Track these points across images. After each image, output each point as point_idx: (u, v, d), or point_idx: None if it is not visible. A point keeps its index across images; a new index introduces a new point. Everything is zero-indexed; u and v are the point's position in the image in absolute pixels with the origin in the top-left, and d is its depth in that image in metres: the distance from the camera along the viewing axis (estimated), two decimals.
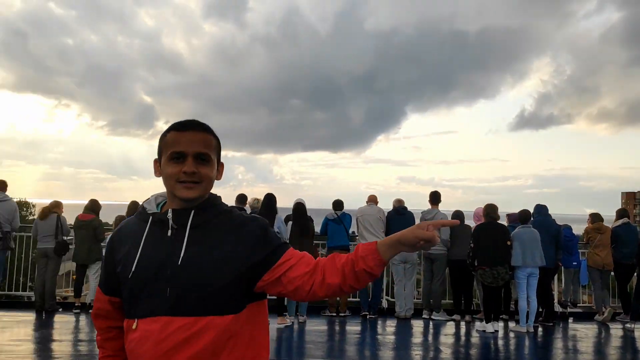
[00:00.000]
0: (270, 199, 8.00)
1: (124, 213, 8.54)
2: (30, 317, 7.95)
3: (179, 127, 1.69)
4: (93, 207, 8.72)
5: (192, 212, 1.67)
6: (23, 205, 29.59)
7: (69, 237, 8.68)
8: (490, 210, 8.00)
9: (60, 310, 8.31)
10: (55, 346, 6.50)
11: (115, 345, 1.84)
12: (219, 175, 1.76)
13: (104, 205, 9.16)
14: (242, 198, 8.56)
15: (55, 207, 8.57)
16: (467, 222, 8.81)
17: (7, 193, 8.36)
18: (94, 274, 8.46)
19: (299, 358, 6.39)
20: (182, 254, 1.62)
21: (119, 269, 1.71)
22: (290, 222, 8.21)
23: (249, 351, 1.67)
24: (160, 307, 1.60)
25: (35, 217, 8.78)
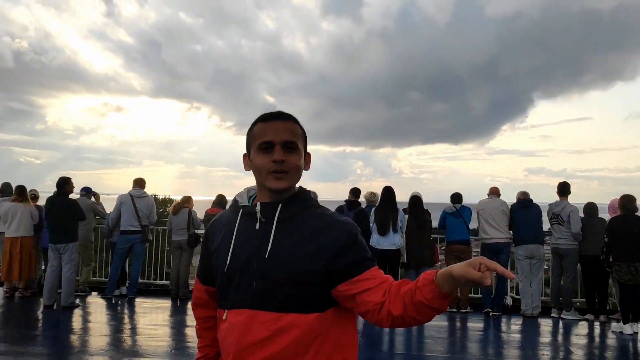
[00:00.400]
0: (389, 191, 7.94)
1: None
2: (167, 303, 8.62)
3: (265, 118, 1.69)
4: (220, 201, 9.23)
5: (280, 205, 1.65)
6: (167, 201, 31.88)
7: (199, 230, 9.27)
8: (627, 202, 7.34)
9: None
10: (188, 331, 6.98)
11: (213, 335, 1.86)
12: (306, 166, 1.72)
13: (230, 201, 9.64)
14: (355, 192, 8.56)
15: (186, 202, 9.17)
16: (600, 215, 8.19)
17: (145, 190, 9.10)
18: None
19: (418, 352, 6.32)
20: (268, 248, 1.61)
21: (213, 260, 1.75)
22: (406, 216, 8.12)
23: (337, 354, 1.62)
24: (246, 299, 1.60)
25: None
